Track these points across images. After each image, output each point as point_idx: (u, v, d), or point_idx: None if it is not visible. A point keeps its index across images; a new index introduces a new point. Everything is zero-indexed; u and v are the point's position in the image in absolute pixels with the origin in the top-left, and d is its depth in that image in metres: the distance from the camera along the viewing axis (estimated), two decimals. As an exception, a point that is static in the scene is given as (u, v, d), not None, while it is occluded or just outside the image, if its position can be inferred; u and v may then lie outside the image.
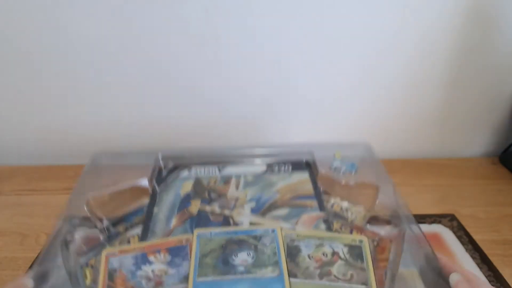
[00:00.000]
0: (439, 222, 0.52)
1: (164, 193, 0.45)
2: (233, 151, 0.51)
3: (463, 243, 0.48)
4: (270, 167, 0.49)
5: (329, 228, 0.40)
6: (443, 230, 0.51)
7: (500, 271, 0.44)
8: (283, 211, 0.42)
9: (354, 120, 0.64)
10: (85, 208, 0.42)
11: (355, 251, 0.36)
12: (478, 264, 0.45)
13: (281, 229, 0.38)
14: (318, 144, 0.51)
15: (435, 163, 0.65)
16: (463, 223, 0.52)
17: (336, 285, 0.33)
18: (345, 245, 0.37)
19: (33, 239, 0.49)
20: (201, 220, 0.41)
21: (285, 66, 0.58)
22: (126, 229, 0.42)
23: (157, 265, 0.35)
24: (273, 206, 0.43)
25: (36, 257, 0.33)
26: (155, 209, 0.43)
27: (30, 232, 0.50)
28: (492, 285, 0.32)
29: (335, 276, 0.34)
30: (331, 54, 0.58)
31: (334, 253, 0.36)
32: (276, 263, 0.35)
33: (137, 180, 0.46)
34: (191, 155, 0.50)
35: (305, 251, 0.36)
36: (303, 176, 0.48)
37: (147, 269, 0.35)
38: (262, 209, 0.43)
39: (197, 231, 0.38)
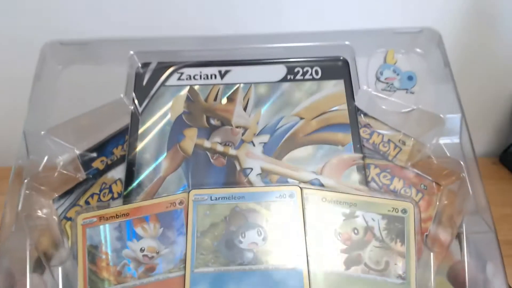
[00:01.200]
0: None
1: (148, 115, 0.34)
2: (238, 42, 0.36)
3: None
4: (291, 71, 0.35)
5: (364, 179, 0.31)
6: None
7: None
8: (305, 151, 0.32)
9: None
10: (45, 135, 0.32)
11: (395, 227, 0.28)
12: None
13: (301, 191, 0.29)
14: (360, 32, 0.36)
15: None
16: (463, 223, 0.48)
17: (365, 278, 0.27)
18: (383, 216, 0.29)
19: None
20: (199, 163, 0.32)
21: None
22: (106, 167, 0.33)
23: (147, 240, 0.28)
24: (293, 142, 0.32)
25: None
26: (138, 144, 0.33)
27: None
28: None
29: (365, 264, 0.28)
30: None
31: (367, 229, 0.28)
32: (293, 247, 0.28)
33: (110, 92, 0.34)
34: (181, 49, 0.36)
35: (331, 225, 0.29)
36: (337, 89, 0.34)
37: (134, 246, 0.28)
38: (277, 146, 0.32)
39: (193, 194, 0.29)
